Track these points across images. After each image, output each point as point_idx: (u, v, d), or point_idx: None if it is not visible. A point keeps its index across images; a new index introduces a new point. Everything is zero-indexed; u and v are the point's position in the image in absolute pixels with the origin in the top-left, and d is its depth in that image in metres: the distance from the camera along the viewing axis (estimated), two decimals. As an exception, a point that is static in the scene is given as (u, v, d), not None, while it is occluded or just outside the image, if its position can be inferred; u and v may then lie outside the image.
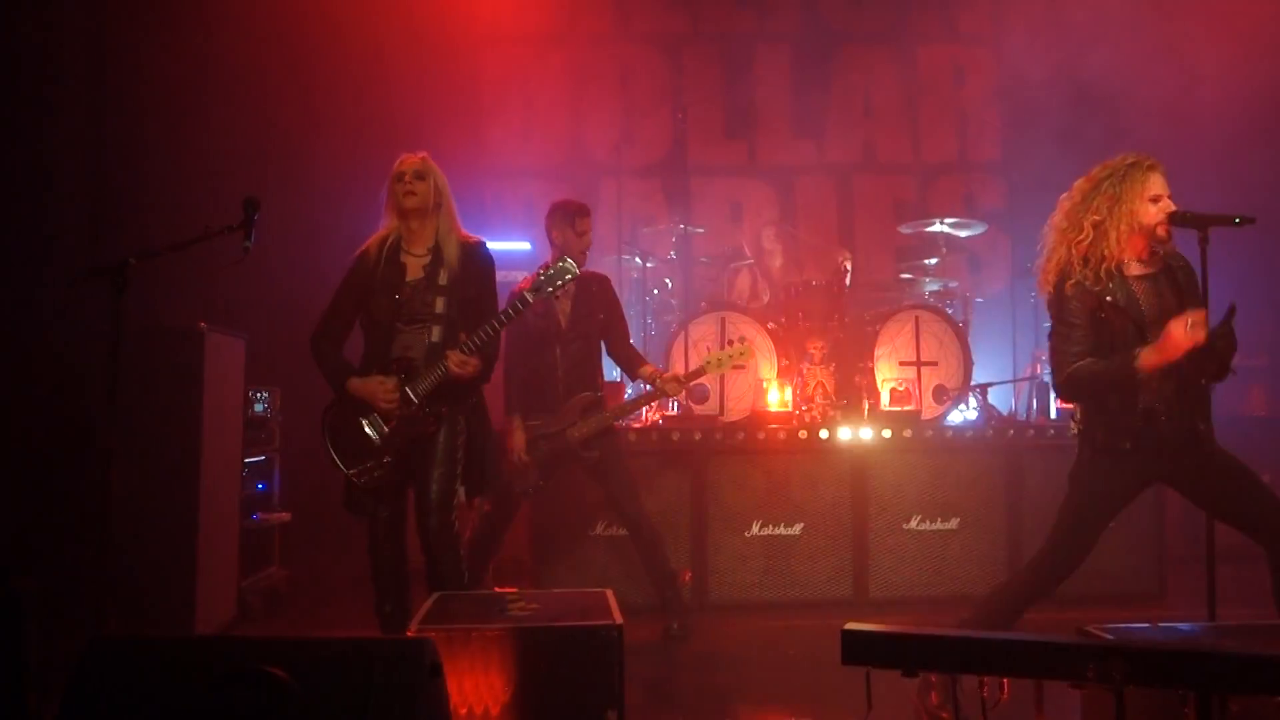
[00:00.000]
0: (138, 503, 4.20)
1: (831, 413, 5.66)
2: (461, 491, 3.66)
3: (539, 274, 3.73)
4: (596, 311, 4.68)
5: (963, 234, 6.69)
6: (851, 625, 2.04)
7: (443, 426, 3.59)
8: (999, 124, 8.03)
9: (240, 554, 4.96)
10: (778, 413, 5.71)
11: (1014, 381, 6.75)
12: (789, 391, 5.88)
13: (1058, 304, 3.34)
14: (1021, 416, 6.40)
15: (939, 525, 5.32)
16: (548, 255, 4.68)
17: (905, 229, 6.76)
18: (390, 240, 3.71)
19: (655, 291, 6.92)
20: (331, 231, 6.05)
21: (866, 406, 5.71)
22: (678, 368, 5.62)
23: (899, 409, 5.68)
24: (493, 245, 3.87)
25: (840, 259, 6.65)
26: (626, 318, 4.92)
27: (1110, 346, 3.25)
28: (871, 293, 6.87)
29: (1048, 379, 5.91)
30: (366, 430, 3.57)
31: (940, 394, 5.88)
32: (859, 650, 2.01)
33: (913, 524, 5.31)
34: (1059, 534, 3.34)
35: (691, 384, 4.88)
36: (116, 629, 3.59)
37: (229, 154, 6.19)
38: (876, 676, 2.02)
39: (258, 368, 5.20)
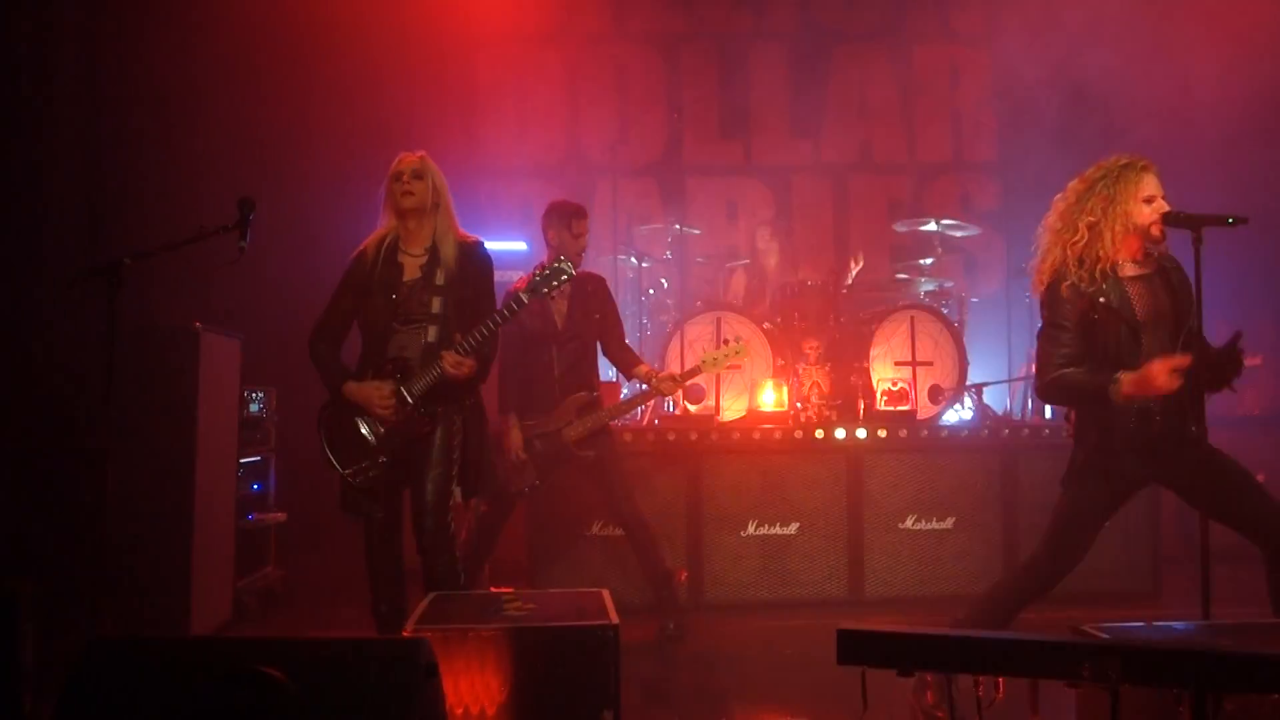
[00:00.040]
0: (133, 503, 4.19)
1: (827, 413, 5.67)
2: (458, 492, 3.65)
3: (534, 274, 3.72)
4: (592, 311, 4.69)
5: (958, 235, 6.71)
6: (847, 625, 2.04)
7: (439, 427, 3.58)
8: (994, 124, 8.04)
9: (236, 554, 4.95)
10: (773, 413, 5.71)
11: (1009, 381, 6.77)
12: (785, 391, 5.88)
13: (1050, 304, 3.35)
14: (1016, 416, 6.42)
15: (934, 525, 5.33)
16: (544, 255, 4.69)
17: (900, 227, 6.77)
18: (388, 240, 3.70)
19: (651, 291, 6.92)
20: (326, 231, 6.03)
21: (862, 406, 5.72)
22: (673, 368, 5.63)
23: (894, 409, 5.69)
24: (488, 245, 3.86)
25: (852, 260, 6.67)
26: (622, 318, 4.93)
27: (1103, 349, 3.26)
28: (867, 293, 6.87)
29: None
30: (362, 430, 3.57)
31: (935, 394, 5.89)
32: (854, 650, 2.02)
33: (908, 523, 5.32)
34: (1054, 536, 3.35)
35: (687, 384, 4.89)
36: (112, 630, 3.59)
37: (224, 154, 6.19)
38: (872, 676, 2.02)
39: (253, 368, 5.19)
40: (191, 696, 2.03)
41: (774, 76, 8.05)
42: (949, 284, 6.67)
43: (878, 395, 5.80)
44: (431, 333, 3.59)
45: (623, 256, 6.81)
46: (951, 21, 8.13)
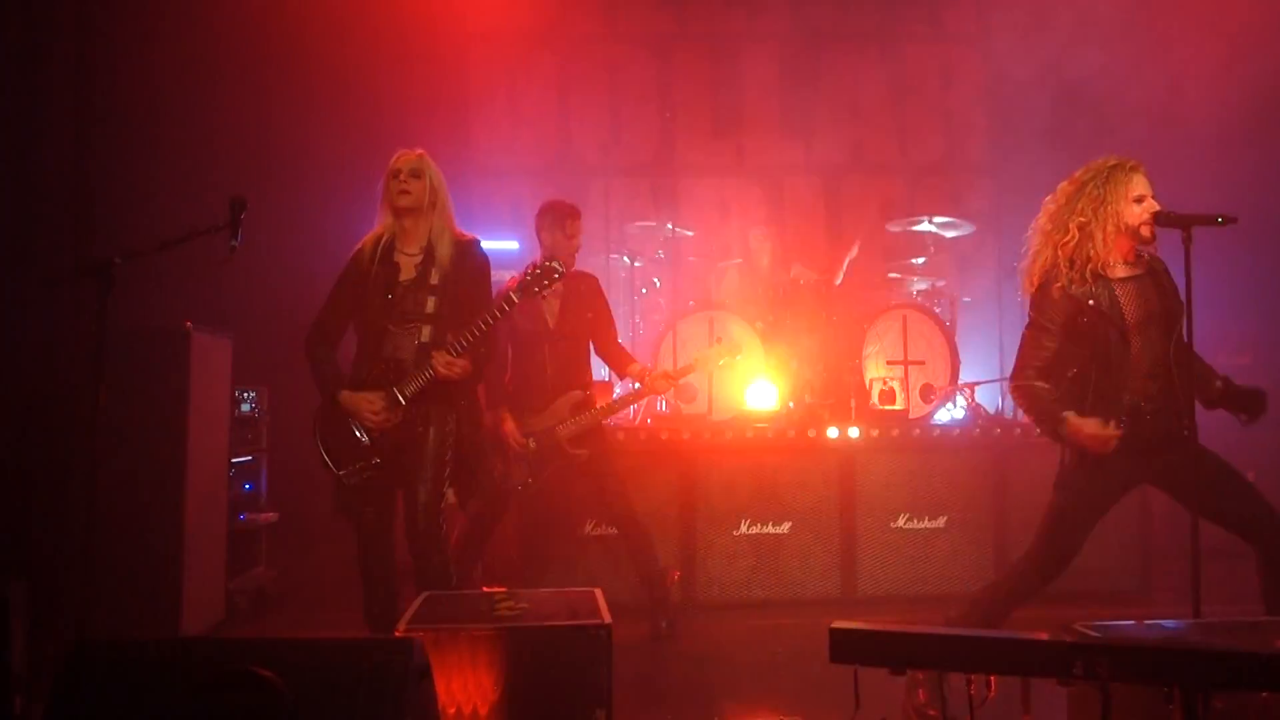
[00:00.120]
0: (123, 503, 4.18)
1: (819, 411, 5.67)
2: (450, 494, 3.64)
3: (526, 274, 3.72)
4: (585, 311, 4.69)
5: (950, 233, 6.71)
6: (839, 624, 2.04)
7: (431, 428, 3.57)
8: (986, 124, 8.05)
9: (227, 555, 4.94)
10: (766, 412, 5.71)
11: (1001, 380, 6.77)
12: (777, 390, 5.89)
13: (1038, 304, 3.36)
14: (1008, 415, 6.42)
15: (926, 524, 5.34)
16: (536, 255, 4.68)
17: (893, 227, 6.78)
18: (384, 239, 3.68)
19: (643, 291, 6.92)
20: (319, 230, 6.02)
21: (854, 405, 5.73)
22: (666, 367, 5.62)
23: (887, 408, 5.70)
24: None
25: (846, 258, 6.69)
26: (615, 317, 4.92)
27: (1092, 352, 3.28)
28: (859, 292, 6.88)
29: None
30: (356, 432, 3.57)
31: (927, 393, 5.90)
32: (847, 649, 2.02)
33: (900, 522, 5.33)
34: (1046, 536, 3.36)
35: (679, 382, 4.89)
36: (102, 631, 3.57)
37: (215, 153, 6.17)
38: (864, 675, 2.03)
39: (245, 367, 5.17)
40: (183, 697, 2.03)
41: (766, 77, 8.05)
42: (941, 283, 6.68)
43: (871, 394, 5.80)
44: (425, 332, 3.58)
45: (615, 256, 6.80)
46: (943, 22, 8.13)
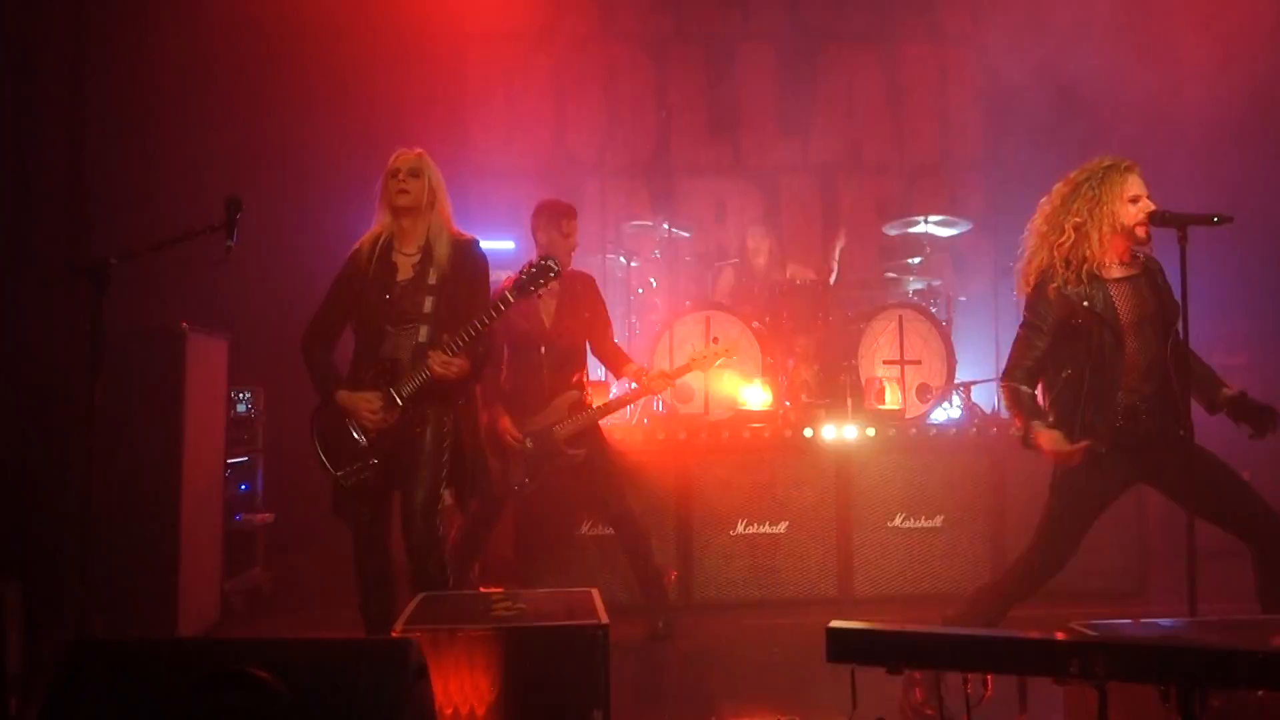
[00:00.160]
0: (119, 504, 4.18)
1: (816, 411, 5.67)
2: (447, 495, 3.63)
3: (521, 274, 3.70)
4: (581, 310, 4.68)
5: (946, 233, 6.72)
6: (836, 623, 2.04)
7: (428, 428, 3.55)
8: (982, 125, 8.07)
9: (223, 555, 4.94)
10: (762, 411, 5.72)
11: (997, 380, 6.78)
12: (773, 390, 5.89)
13: (1033, 304, 3.38)
14: (1004, 414, 6.43)
15: (923, 523, 5.34)
16: (532, 254, 4.68)
17: (890, 230, 6.79)
18: (382, 239, 3.66)
19: (640, 291, 6.92)
20: (315, 230, 6.01)
21: (850, 405, 5.73)
22: (662, 367, 5.62)
23: (878, 405, 5.70)
24: (476, 244, 3.83)
25: (835, 247, 6.70)
26: (611, 317, 4.92)
27: (1086, 352, 3.29)
28: (855, 291, 6.89)
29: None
30: (354, 432, 3.55)
31: (924, 392, 5.91)
32: (844, 648, 2.02)
33: (897, 522, 5.33)
34: (1042, 537, 3.36)
35: (676, 382, 4.89)
36: (98, 631, 3.56)
37: (210, 153, 6.16)
38: (861, 674, 2.03)
39: (241, 368, 5.17)
40: (178, 698, 2.02)
41: (762, 77, 8.05)
42: (937, 283, 6.69)
43: (869, 394, 5.80)
44: (423, 333, 3.56)
45: (611, 256, 6.80)
46: (939, 22, 8.15)
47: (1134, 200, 3.28)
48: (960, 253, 7.67)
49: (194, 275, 5.09)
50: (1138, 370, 3.27)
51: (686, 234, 7.27)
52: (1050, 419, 3.39)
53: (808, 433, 5.36)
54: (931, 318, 6.09)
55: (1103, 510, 3.37)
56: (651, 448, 5.30)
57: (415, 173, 3.64)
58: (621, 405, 4.98)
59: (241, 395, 5.31)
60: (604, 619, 2.84)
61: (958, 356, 6.02)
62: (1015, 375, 3.37)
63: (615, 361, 4.75)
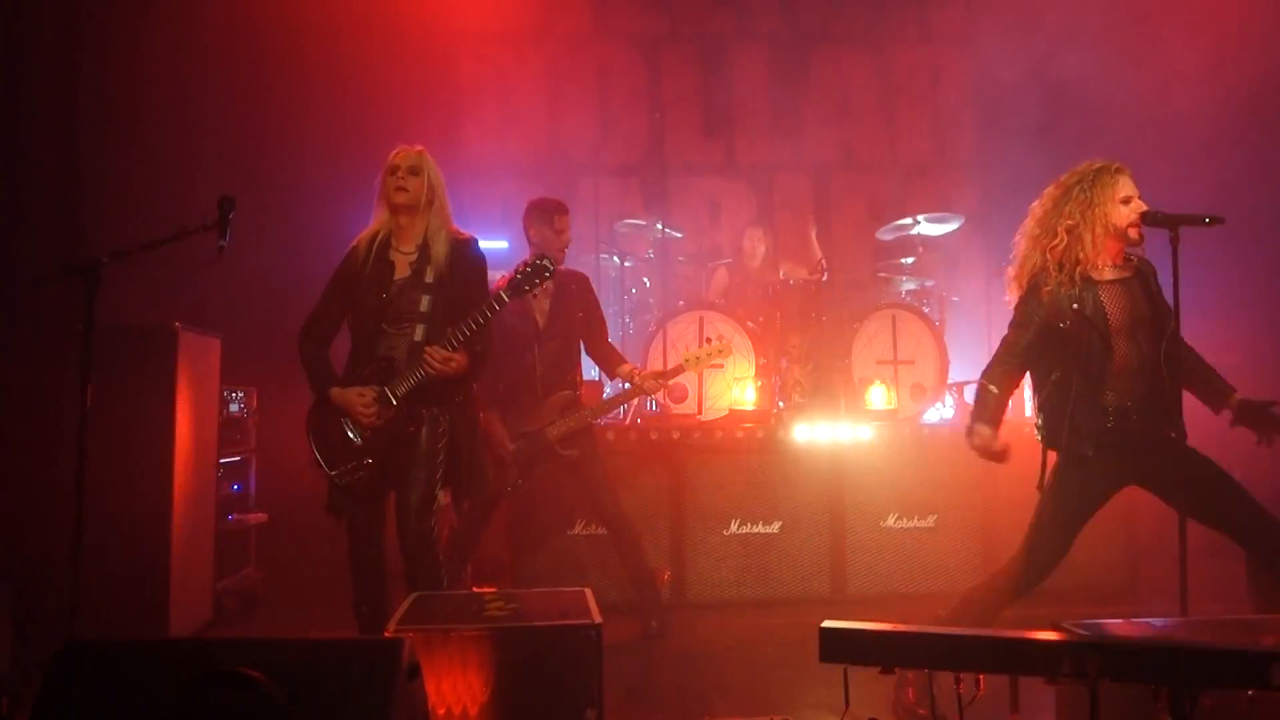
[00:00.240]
0: (111, 504, 4.16)
1: (809, 411, 5.67)
2: (441, 495, 3.62)
3: (516, 273, 3.68)
4: (575, 310, 4.68)
5: (938, 230, 6.73)
6: (829, 623, 2.05)
7: (423, 428, 3.54)
8: (974, 125, 8.08)
9: (216, 555, 4.92)
10: (755, 411, 5.72)
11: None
12: (767, 390, 5.90)
13: (1023, 305, 3.40)
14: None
15: (916, 523, 5.35)
16: (526, 253, 4.67)
17: (884, 234, 6.80)
18: (380, 237, 3.64)
19: (633, 290, 6.92)
20: (307, 230, 6.01)
21: (844, 405, 5.74)
22: (655, 367, 5.62)
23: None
24: (471, 244, 3.82)
25: (809, 235, 6.71)
26: (605, 317, 4.92)
27: (1073, 355, 3.30)
28: (849, 291, 6.90)
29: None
30: (349, 432, 3.54)
31: (917, 393, 5.92)
32: (837, 648, 2.02)
33: (890, 522, 5.34)
34: (1033, 539, 3.38)
35: (669, 383, 4.89)
36: (90, 632, 3.55)
37: (203, 152, 6.14)
38: (854, 674, 2.03)
39: (233, 367, 5.16)
40: (170, 699, 2.02)
41: (755, 76, 8.06)
42: (930, 283, 6.70)
43: (864, 394, 5.81)
44: (419, 331, 3.54)
45: (605, 255, 6.80)
46: (931, 23, 8.16)
47: (1125, 201, 3.29)
48: (953, 253, 7.68)
49: (187, 275, 5.09)
50: (1128, 372, 3.27)
51: (680, 234, 7.27)
52: (1040, 421, 3.42)
53: (801, 432, 5.36)
54: (925, 318, 6.10)
55: (1094, 512, 3.38)
56: (645, 448, 5.30)
57: (415, 170, 3.62)
58: (614, 406, 4.98)
59: (234, 395, 5.29)
60: (597, 619, 2.84)
61: (950, 356, 6.03)
62: (992, 374, 3.43)
63: (609, 361, 4.75)
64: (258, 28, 6.51)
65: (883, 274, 6.82)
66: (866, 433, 5.39)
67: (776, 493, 5.31)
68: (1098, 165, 3.32)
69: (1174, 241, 3.17)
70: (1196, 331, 3.44)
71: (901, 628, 2.03)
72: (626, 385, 4.72)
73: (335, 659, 2.10)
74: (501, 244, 6.88)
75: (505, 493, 4.61)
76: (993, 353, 3.48)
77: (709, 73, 8.03)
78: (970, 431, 3.40)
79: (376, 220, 3.69)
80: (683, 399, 5.86)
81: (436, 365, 3.44)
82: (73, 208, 5.29)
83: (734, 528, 5.28)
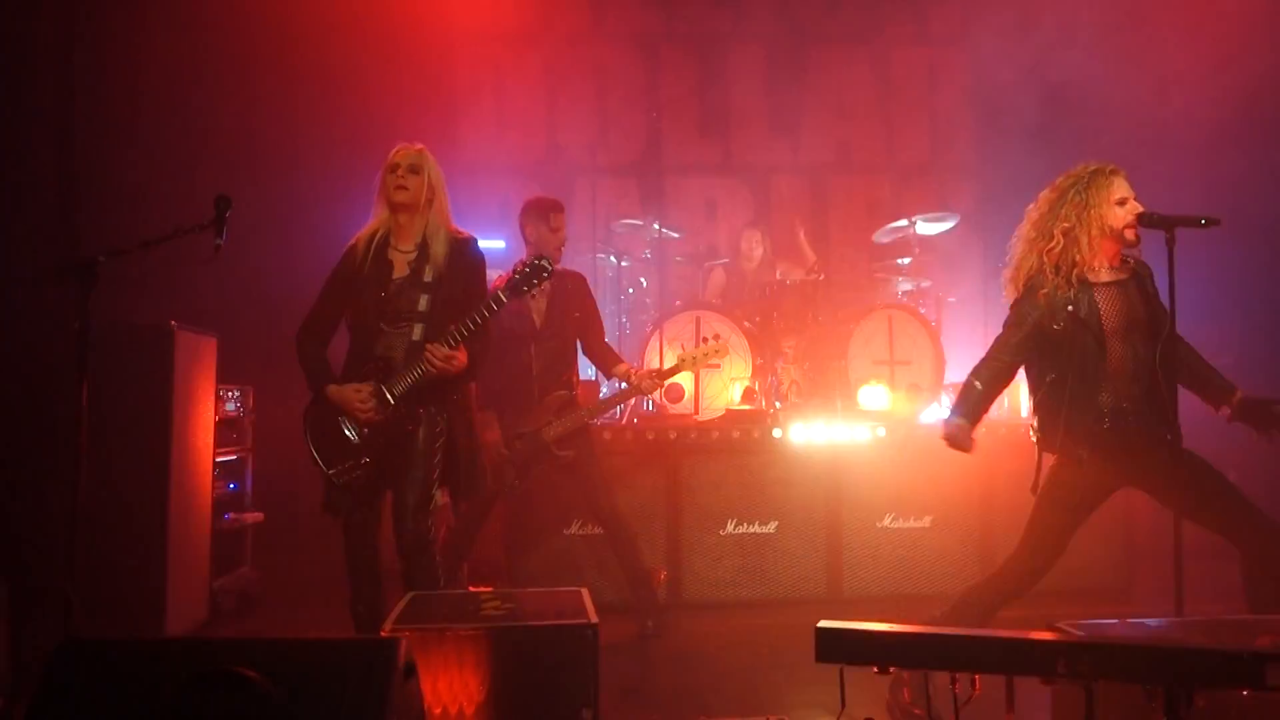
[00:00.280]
0: (107, 503, 4.15)
1: (806, 411, 5.68)
2: (439, 495, 3.62)
3: (514, 273, 3.68)
4: (572, 310, 4.68)
5: (935, 229, 6.73)
6: (825, 623, 2.05)
7: (421, 427, 3.53)
8: (971, 126, 8.09)
9: (212, 554, 4.92)
10: (752, 411, 5.72)
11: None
12: (764, 390, 5.90)
13: (1019, 305, 3.41)
14: (993, 415, 6.45)
15: (912, 523, 5.36)
16: (523, 253, 4.68)
17: (880, 238, 6.80)
18: (379, 236, 3.63)
19: (630, 290, 6.92)
20: (304, 229, 6.00)
21: (840, 405, 5.74)
22: (652, 367, 5.63)
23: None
24: (469, 243, 3.81)
25: (799, 237, 6.72)
26: (602, 317, 4.92)
27: (1067, 357, 3.31)
28: (845, 292, 6.91)
29: (1018, 377, 5.96)
30: (346, 431, 3.53)
31: (914, 393, 5.92)
32: (833, 648, 2.03)
33: (886, 522, 5.35)
34: (1029, 540, 3.38)
35: (666, 382, 4.89)
36: (86, 631, 3.55)
37: (200, 151, 6.14)
38: (850, 674, 2.03)
39: (230, 366, 5.15)
40: (166, 698, 2.02)
41: (753, 77, 8.06)
42: (926, 284, 6.71)
43: (857, 394, 5.82)
44: (417, 331, 3.53)
45: (601, 255, 6.80)
46: (929, 23, 8.17)
47: (1121, 203, 3.29)
48: (950, 254, 7.69)
49: (183, 273, 5.08)
50: (1124, 374, 3.28)
51: (677, 234, 7.28)
52: (1035, 423, 3.43)
53: (798, 432, 5.36)
54: (921, 318, 6.11)
55: (1089, 513, 3.38)
56: (641, 448, 5.30)
57: (415, 169, 3.61)
58: (611, 406, 4.98)
59: (230, 394, 5.29)
60: (593, 618, 2.84)
61: (947, 357, 6.03)
62: (979, 371, 3.44)
63: (606, 361, 4.75)
64: (255, 27, 6.50)
65: (879, 274, 6.83)
66: (863, 433, 5.39)
67: (773, 493, 5.31)
68: (1093, 167, 3.33)
69: (1170, 243, 3.18)
70: (1191, 333, 3.45)
71: (898, 628, 2.04)
72: (623, 385, 4.72)
73: (331, 658, 2.10)
74: (499, 243, 6.89)
75: (502, 493, 4.60)
76: (990, 346, 3.50)
77: (706, 73, 8.04)
78: (945, 421, 3.42)
79: (375, 218, 3.67)
80: (679, 399, 5.86)
81: (438, 363, 3.43)
82: (69, 207, 5.28)
83: (730, 528, 5.28)
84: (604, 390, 5.82)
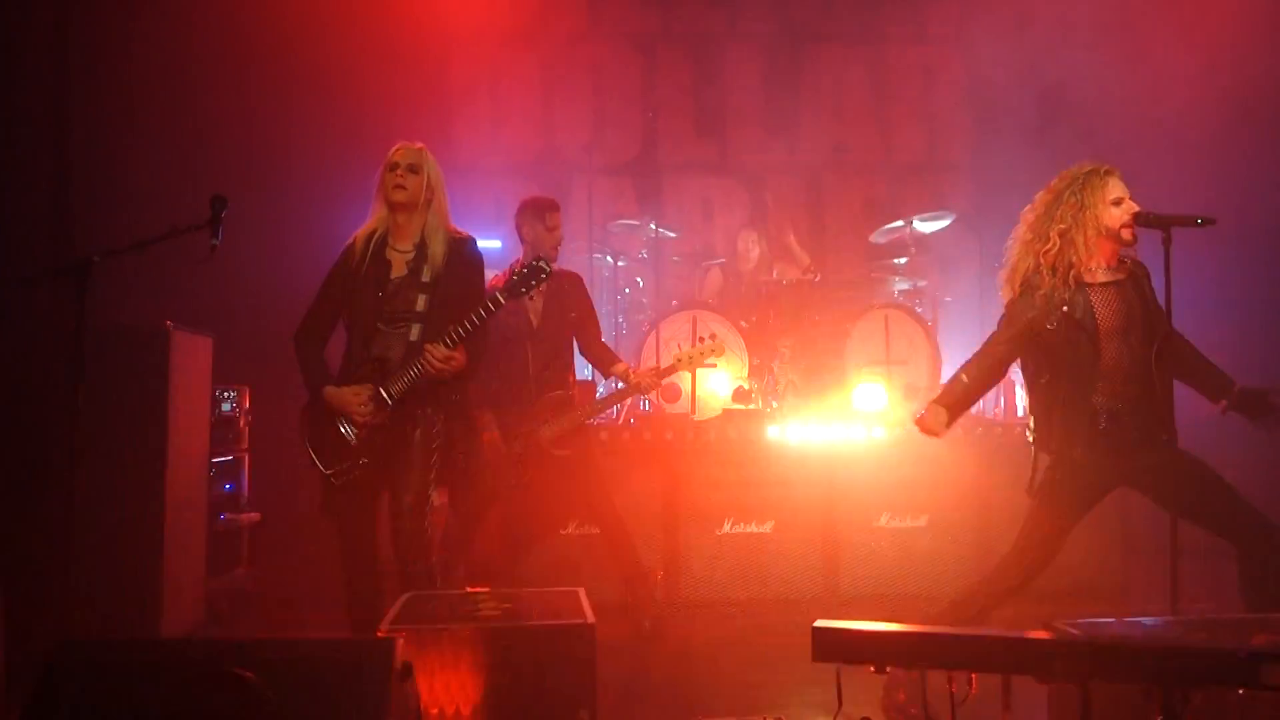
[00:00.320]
0: (103, 504, 4.14)
1: (803, 411, 5.68)
2: (435, 496, 3.61)
3: (512, 274, 3.67)
4: (569, 310, 4.68)
5: (930, 228, 6.73)
6: (822, 622, 2.05)
7: (418, 429, 3.52)
8: (968, 124, 8.10)
9: (208, 555, 4.91)
10: (749, 411, 5.72)
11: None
12: (760, 390, 5.90)
13: (1014, 304, 3.42)
14: (989, 415, 6.47)
15: (908, 523, 5.36)
16: (519, 252, 4.67)
17: (877, 238, 6.80)
18: (377, 234, 3.61)
19: (626, 290, 6.92)
20: (300, 229, 5.99)
21: (837, 405, 5.74)
22: (649, 366, 5.62)
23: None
24: (467, 243, 3.80)
25: (790, 243, 6.73)
26: (598, 316, 4.92)
27: (1060, 358, 3.32)
28: (842, 292, 6.91)
29: (1014, 378, 5.98)
30: (344, 431, 3.53)
31: (910, 393, 5.93)
32: (830, 647, 2.03)
33: (882, 521, 5.35)
34: (1024, 540, 3.39)
35: (664, 381, 4.89)
36: (82, 633, 3.54)
37: (195, 151, 6.13)
38: (847, 673, 2.03)
39: (225, 367, 5.14)
40: (162, 699, 2.02)
41: (749, 76, 8.06)
42: (923, 283, 6.71)
43: (851, 394, 5.82)
44: (415, 331, 3.52)
45: (598, 255, 6.80)
46: (925, 23, 8.17)
47: (1117, 203, 3.30)
48: (946, 253, 7.70)
49: (179, 274, 5.05)
50: (1119, 375, 3.28)
51: (673, 234, 7.28)
52: (1031, 424, 3.44)
53: (794, 432, 5.36)
54: (918, 318, 6.11)
55: (1085, 513, 3.39)
56: (638, 448, 5.30)
57: (414, 168, 3.59)
58: (608, 406, 4.98)
59: (226, 394, 5.28)
60: (590, 618, 2.84)
61: (943, 357, 6.04)
62: (969, 366, 3.48)
63: (603, 360, 4.75)
64: (250, 27, 6.49)
65: (876, 274, 6.83)
66: (859, 433, 5.39)
67: (769, 493, 5.31)
68: (1087, 168, 3.34)
69: (1166, 243, 3.19)
70: (1187, 332, 3.45)
71: (894, 627, 2.04)
72: (620, 384, 4.72)
73: (328, 659, 2.10)
74: (495, 243, 6.88)
75: (499, 493, 4.60)
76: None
77: (702, 73, 8.04)
78: (925, 405, 3.42)
79: (374, 216, 3.65)
80: (676, 399, 5.86)
81: (437, 364, 3.41)
82: (64, 207, 5.27)
83: (727, 527, 5.28)
84: (600, 390, 5.82)
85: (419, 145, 3.64)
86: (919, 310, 6.30)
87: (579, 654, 2.75)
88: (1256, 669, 1.79)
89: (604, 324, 5.42)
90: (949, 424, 3.40)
